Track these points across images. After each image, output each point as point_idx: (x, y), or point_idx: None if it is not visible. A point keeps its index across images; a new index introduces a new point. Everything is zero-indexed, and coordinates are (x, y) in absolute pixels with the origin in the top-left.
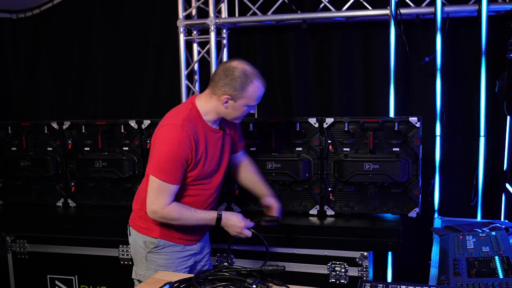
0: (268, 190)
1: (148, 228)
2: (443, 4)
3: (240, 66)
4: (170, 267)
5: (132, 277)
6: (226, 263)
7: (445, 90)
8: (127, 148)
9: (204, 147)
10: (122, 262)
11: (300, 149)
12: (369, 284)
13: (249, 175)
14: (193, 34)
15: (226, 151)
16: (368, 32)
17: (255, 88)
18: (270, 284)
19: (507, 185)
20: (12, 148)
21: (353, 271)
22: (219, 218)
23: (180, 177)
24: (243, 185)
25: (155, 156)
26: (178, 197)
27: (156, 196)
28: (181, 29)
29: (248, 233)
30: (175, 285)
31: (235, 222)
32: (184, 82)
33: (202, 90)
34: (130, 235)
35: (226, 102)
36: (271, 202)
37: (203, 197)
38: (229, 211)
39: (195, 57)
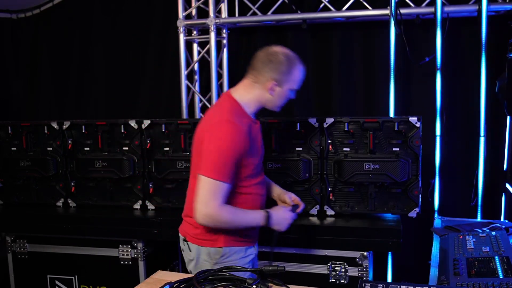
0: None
1: (213, 239)
2: (443, 4)
3: (281, 50)
4: None
5: None
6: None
7: (445, 90)
8: (127, 148)
9: (254, 140)
10: (122, 262)
11: (300, 149)
12: (369, 284)
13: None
14: (193, 34)
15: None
16: (368, 32)
17: (299, 71)
18: (270, 284)
19: (507, 185)
20: (12, 148)
21: (353, 271)
22: (268, 217)
23: (232, 176)
24: None
25: (206, 155)
26: (243, 202)
27: (209, 197)
28: (181, 29)
29: (294, 216)
30: (175, 285)
31: (285, 214)
32: (184, 82)
33: (202, 90)
34: (190, 250)
35: (272, 88)
36: (288, 195)
37: (261, 196)
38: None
39: (195, 57)
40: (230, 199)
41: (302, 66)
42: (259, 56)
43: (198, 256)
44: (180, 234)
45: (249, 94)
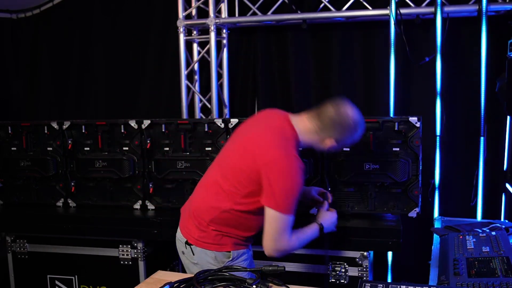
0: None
1: (220, 243)
2: (443, 4)
3: (352, 114)
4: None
5: None
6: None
7: (445, 90)
8: (127, 148)
9: None
10: (122, 262)
11: (300, 149)
12: (369, 284)
13: None
14: (193, 34)
15: None
16: (368, 32)
17: (359, 135)
18: (270, 284)
19: (507, 185)
20: (12, 148)
21: (353, 271)
22: (322, 228)
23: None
24: None
25: (274, 190)
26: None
27: (280, 233)
28: (181, 29)
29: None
30: (175, 285)
31: (331, 218)
32: (184, 82)
33: (202, 90)
34: (193, 254)
35: (329, 144)
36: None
37: None
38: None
39: (195, 57)
40: (245, 215)
41: (364, 128)
42: (330, 112)
43: (203, 260)
44: (181, 235)
45: (307, 135)
